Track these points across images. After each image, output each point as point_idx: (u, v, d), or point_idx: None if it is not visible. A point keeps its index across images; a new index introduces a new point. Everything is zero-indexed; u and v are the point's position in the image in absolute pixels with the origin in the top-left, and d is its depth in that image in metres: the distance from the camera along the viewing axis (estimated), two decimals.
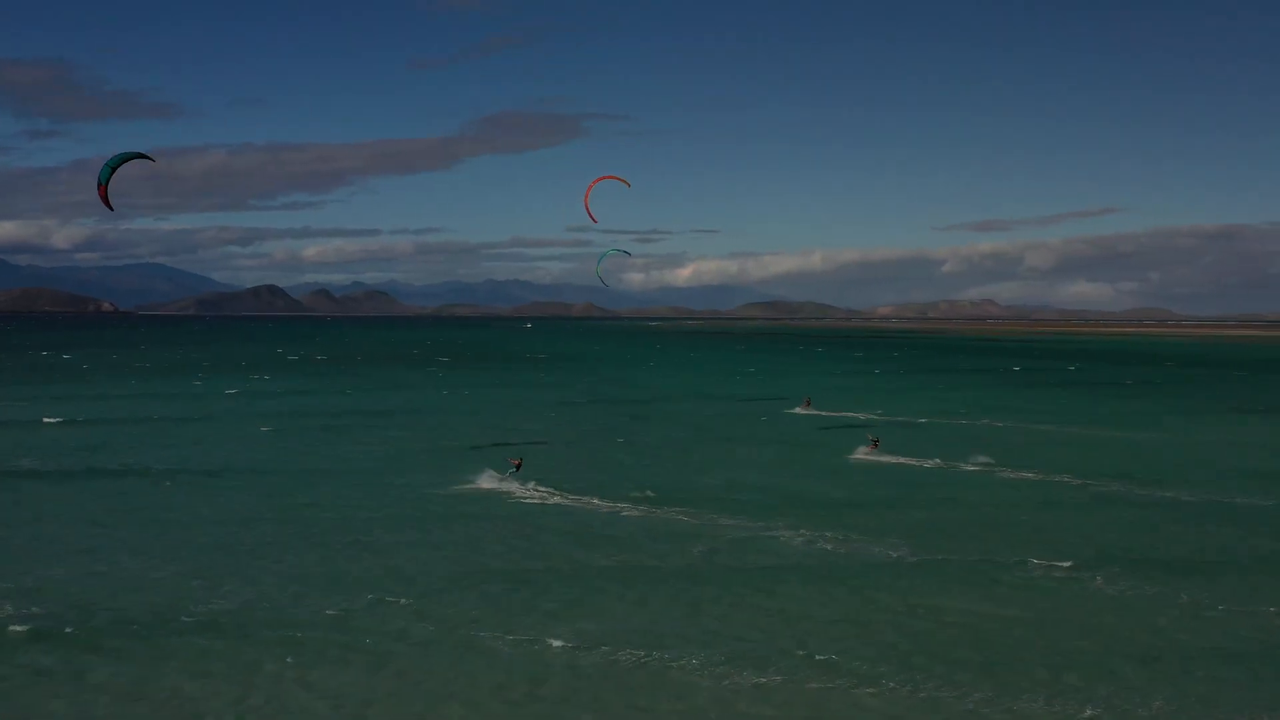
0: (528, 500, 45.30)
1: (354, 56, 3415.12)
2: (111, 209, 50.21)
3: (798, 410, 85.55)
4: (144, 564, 34.23)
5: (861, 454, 59.22)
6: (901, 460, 57.10)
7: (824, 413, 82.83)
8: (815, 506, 44.20)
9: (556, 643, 26.91)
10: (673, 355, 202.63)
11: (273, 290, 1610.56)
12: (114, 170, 48.46)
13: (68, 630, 27.61)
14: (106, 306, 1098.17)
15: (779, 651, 26.52)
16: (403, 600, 30.43)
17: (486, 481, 49.21)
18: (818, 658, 26.06)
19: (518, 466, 49.93)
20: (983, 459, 56.74)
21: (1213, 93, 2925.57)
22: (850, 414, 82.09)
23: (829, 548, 36.95)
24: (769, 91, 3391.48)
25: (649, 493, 46.61)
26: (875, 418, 79.20)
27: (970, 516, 42.63)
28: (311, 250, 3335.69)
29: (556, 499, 45.55)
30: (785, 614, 29.49)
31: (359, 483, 49.48)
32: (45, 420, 72.47)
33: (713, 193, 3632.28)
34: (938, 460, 56.87)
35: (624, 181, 63.33)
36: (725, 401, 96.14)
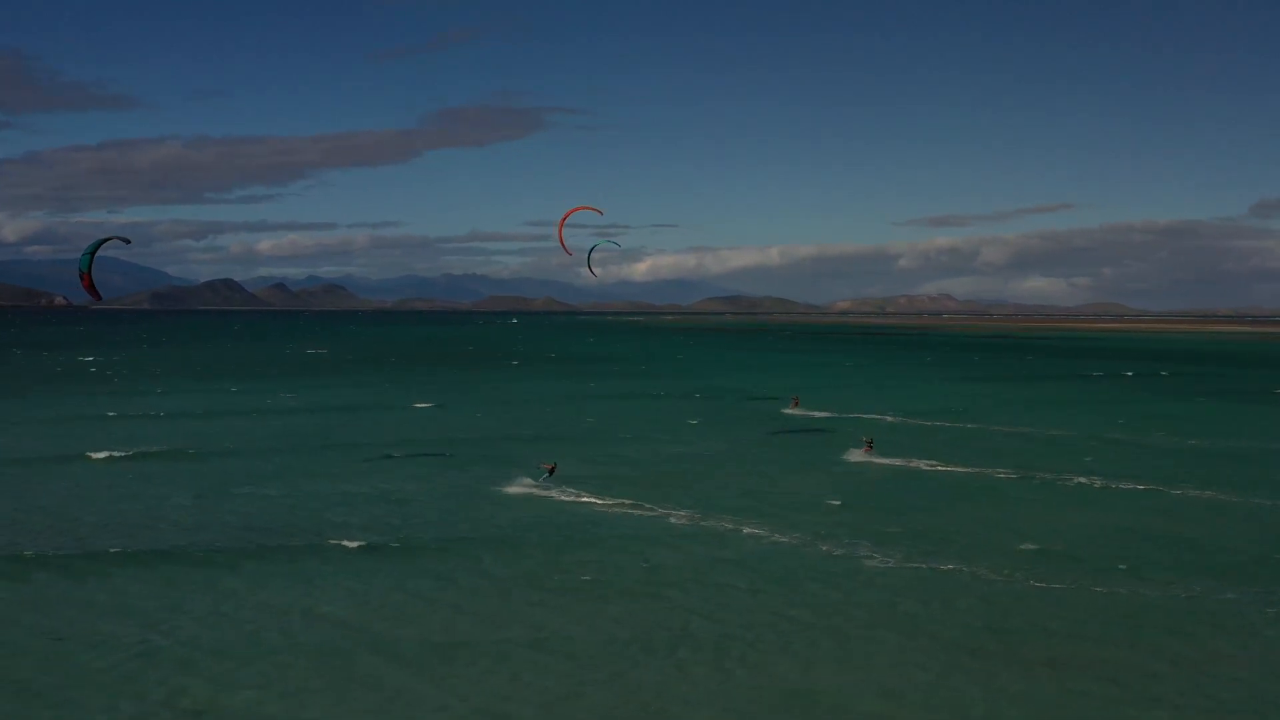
0: (871, 564, 33.12)
1: (312, 48, 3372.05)
2: (100, 298, 49.41)
3: (787, 410, 79.98)
4: None
5: (857, 456, 56.46)
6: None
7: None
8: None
9: None
10: (717, 355, 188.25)
11: (229, 284, 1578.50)
12: (93, 256, 46.86)
13: None
14: (59, 301, 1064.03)
15: None
16: None
17: (777, 535, 37.69)
18: None
19: (551, 471, 47.56)
20: None
21: (1166, 89, 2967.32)
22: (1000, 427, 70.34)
23: None
24: (728, 87, 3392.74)
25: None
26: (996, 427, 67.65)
27: None
28: (267, 244, 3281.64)
29: (874, 561, 33.45)
30: None
31: (607, 542, 37.10)
32: (108, 454, 59.05)
33: (671, 187, 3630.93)
34: None
35: (597, 210, 67.72)
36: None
